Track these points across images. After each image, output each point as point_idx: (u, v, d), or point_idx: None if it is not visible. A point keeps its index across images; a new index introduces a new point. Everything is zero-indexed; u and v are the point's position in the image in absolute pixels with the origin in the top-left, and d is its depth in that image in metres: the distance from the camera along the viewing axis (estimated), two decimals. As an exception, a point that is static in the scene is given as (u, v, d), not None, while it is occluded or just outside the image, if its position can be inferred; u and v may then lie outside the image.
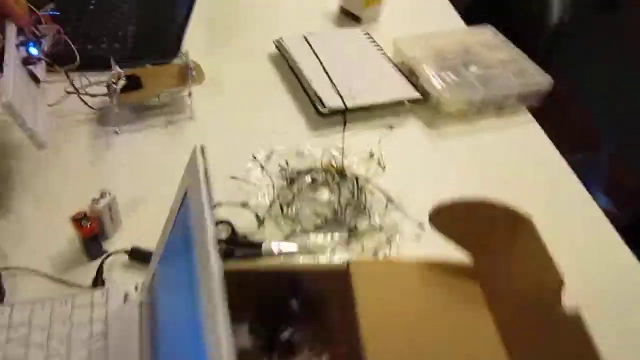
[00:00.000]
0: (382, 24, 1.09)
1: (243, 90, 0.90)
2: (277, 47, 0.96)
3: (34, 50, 0.77)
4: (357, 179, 0.73)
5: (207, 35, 1.03)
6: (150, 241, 0.56)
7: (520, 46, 0.99)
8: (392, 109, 0.86)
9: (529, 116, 0.90)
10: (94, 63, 0.84)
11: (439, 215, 0.55)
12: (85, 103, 0.81)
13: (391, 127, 0.85)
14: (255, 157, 0.77)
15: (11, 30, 0.73)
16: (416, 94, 0.87)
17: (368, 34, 1.00)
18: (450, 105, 0.86)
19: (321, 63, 0.91)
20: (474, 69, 0.91)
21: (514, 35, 1.11)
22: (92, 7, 1.01)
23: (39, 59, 0.77)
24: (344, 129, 0.81)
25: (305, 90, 0.87)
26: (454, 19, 1.13)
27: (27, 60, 0.74)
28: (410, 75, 0.91)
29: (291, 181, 0.73)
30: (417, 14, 1.13)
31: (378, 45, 0.97)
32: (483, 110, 0.89)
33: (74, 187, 0.72)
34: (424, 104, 0.88)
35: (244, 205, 0.71)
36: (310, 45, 0.95)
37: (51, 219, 0.66)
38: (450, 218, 0.55)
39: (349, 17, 1.10)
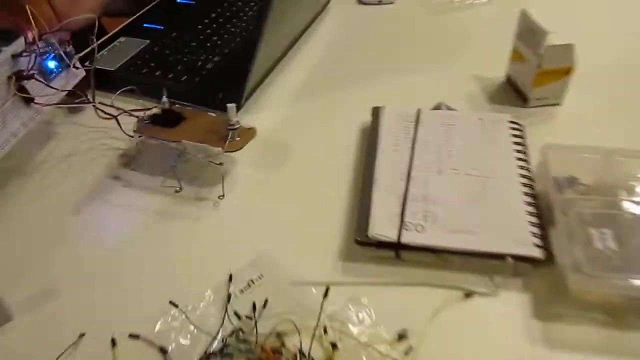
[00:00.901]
0: (563, 116, 0.71)
1: (297, 173, 0.65)
2: (372, 119, 0.68)
3: (51, 64, 0.65)
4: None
5: (307, 80, 0.80)
6: None
7: None
8: (487, 263, 0.52)
9: None
10: (150, 92, 0.69)
11: None
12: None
13: (468, 295, 0.51)
14: (229, 278, 0.52)
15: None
16: (532, 252, 0.51)
17: (520, 127, 0.65)
18: (583, 291, 0.48)
19: (411, 159, 0.61)
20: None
21: None
22: (200, 27, 0.87)
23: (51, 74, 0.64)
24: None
25: (361, 198, 0.58)
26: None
27: (21, 74, 0.61)
28: (548, 213, 0.54)
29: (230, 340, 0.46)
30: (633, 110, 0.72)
31: (522, 152, 0.62)
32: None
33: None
34: (549, 269, 0.51)
35: (162, 351, 0.47)
36: (417, 125, 0.65)
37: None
38: None
39: (514, 91, 0.75)
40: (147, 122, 0.64)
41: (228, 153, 0.61)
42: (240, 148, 0.62)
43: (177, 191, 0.63)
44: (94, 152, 0.69)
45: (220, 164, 0.61)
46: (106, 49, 0.82)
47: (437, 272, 0.52)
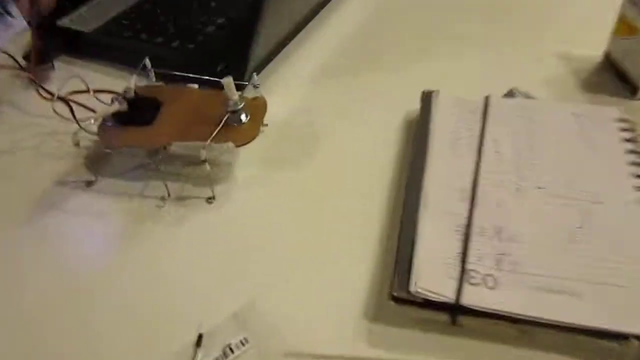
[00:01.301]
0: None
1: (314, 182, 0.47)
2: (422, 108, 0.50)
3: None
4: None
5: (336, 54, 0.62)
6: None
7: None
8: (596, 344, 0.33)
9: None
10: (133, 60, 0.51)
11: None
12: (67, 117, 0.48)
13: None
14: (197, 340, 0.35)
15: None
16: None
17: (634, 128, 0.45)
18: None
19: (477, 168, 0.42)
20: None
21: None
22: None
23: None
24: None
25: (402, 228, 0.40)
26: None
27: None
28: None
29: None
30: None
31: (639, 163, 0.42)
32: None
33: None
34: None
35: None
36: (484, 119, 0.46)
37: None
38: None
39: (617, 77, 0.55)
40: (109, 124, 0.46)
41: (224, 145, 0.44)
42: (252, 139, 0.46)
43: (162, 202, 0.46)
44: (50, 142, 0.52)
45: (204, 160, 0.44)
46: (86, 6, 0.65)
47: (514, 351, 0.34)
